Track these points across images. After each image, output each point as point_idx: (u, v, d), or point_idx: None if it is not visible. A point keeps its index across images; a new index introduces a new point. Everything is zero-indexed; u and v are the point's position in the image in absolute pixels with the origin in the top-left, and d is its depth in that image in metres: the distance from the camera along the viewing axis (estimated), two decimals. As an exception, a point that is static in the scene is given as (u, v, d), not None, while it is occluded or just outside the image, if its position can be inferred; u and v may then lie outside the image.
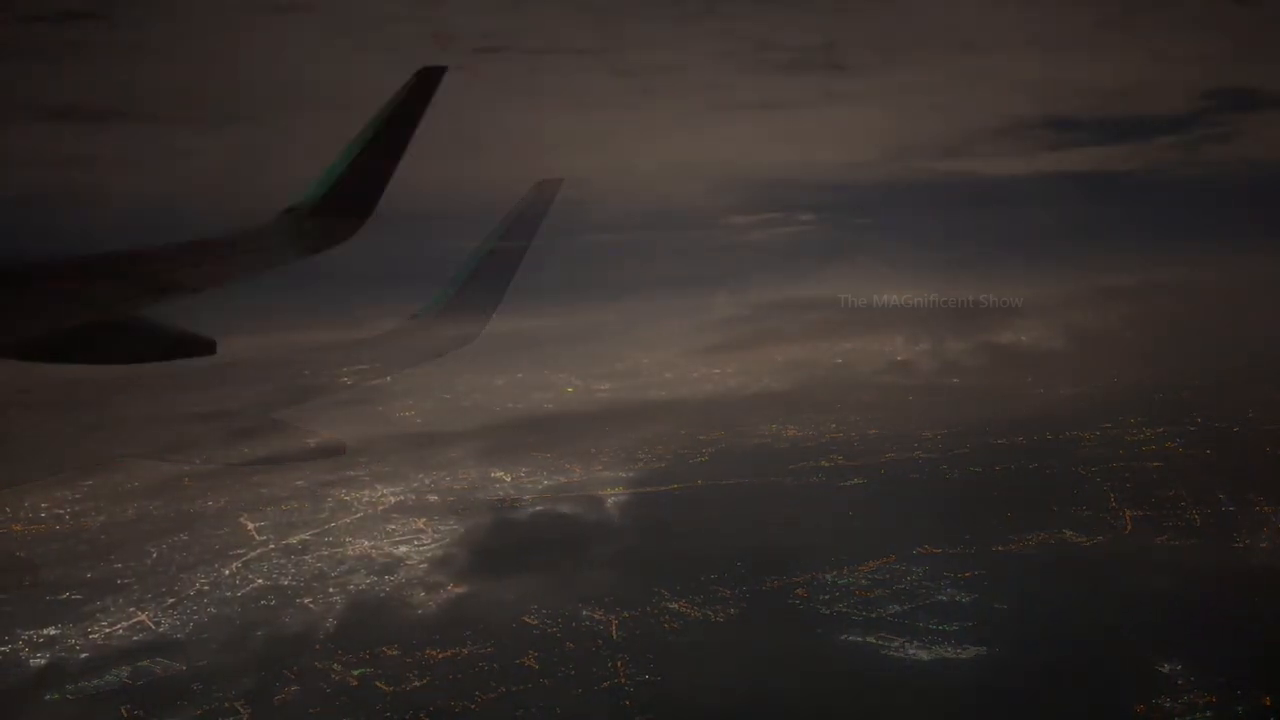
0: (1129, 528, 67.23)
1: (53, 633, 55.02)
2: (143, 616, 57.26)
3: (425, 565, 65.51)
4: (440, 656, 51.48)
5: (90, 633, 55.10)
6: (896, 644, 51.41)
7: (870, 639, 52.07)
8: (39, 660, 51.97)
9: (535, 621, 55.39)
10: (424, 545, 69.37)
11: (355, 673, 49.87)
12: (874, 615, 54.75)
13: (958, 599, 56.54)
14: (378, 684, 48.78)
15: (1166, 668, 47.04)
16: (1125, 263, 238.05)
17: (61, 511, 78.53)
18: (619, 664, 49.92)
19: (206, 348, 6.96)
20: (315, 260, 9.42)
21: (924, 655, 50.25)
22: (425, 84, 9.96)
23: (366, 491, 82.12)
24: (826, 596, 57.72)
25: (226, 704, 46.83)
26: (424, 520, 74.21)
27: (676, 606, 56.74)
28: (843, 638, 52.56)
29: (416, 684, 48.75)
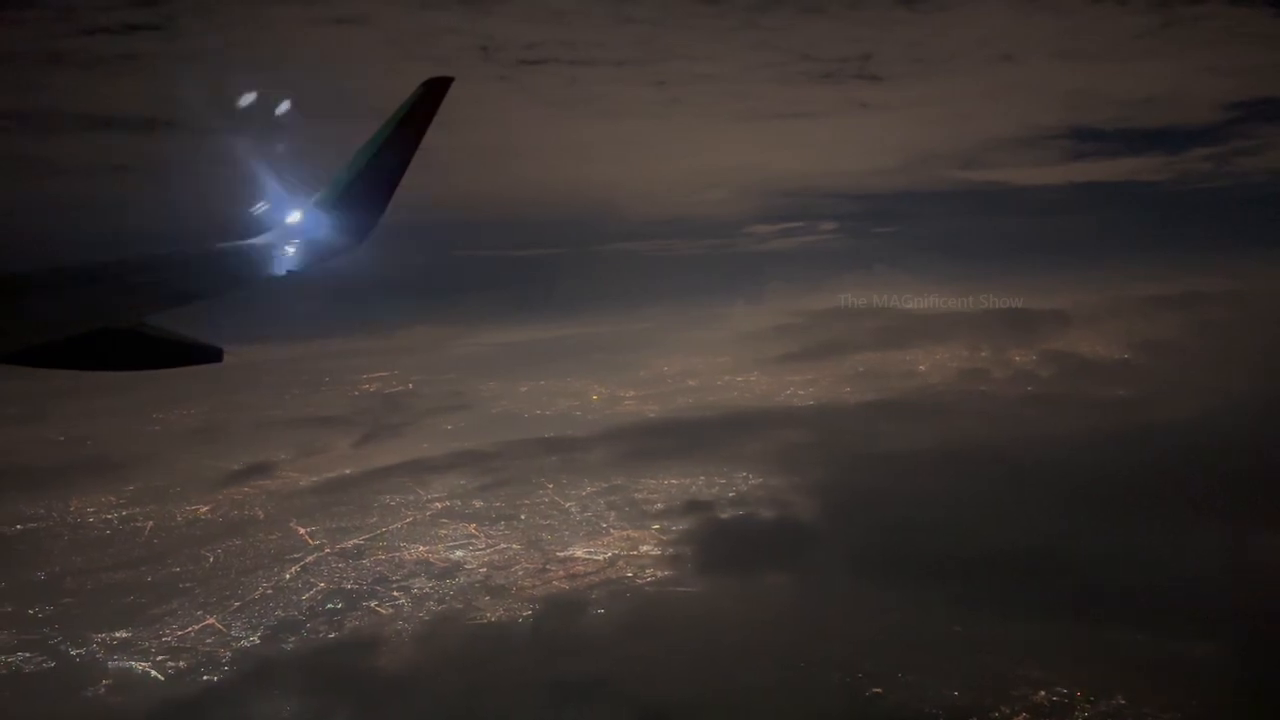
0: None
1: (124, 635, 54.94)
2: (211, 620, 57.18)
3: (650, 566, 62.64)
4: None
5: (162, 635, 55.01)
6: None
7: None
8: (116, 662, 51.93)
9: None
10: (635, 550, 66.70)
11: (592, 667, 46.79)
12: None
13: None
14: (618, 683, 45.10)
15: None
16: (1166, 271, 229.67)
17: (110, 516, 78.28)
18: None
19: (214, 355, 6.93)
20: (319, 268, 9.40)
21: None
22: (432, 94, 9.91)
23: (415, 492, 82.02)
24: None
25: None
26: (475, 528, 74.03)
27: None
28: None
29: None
